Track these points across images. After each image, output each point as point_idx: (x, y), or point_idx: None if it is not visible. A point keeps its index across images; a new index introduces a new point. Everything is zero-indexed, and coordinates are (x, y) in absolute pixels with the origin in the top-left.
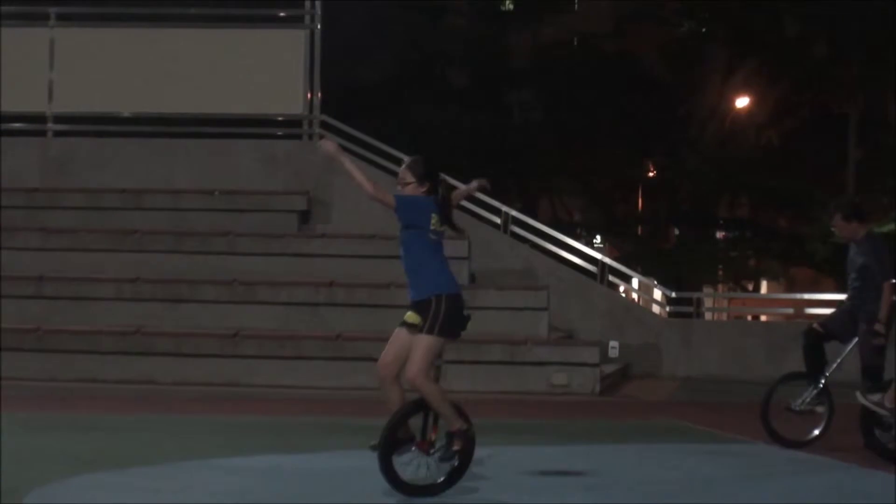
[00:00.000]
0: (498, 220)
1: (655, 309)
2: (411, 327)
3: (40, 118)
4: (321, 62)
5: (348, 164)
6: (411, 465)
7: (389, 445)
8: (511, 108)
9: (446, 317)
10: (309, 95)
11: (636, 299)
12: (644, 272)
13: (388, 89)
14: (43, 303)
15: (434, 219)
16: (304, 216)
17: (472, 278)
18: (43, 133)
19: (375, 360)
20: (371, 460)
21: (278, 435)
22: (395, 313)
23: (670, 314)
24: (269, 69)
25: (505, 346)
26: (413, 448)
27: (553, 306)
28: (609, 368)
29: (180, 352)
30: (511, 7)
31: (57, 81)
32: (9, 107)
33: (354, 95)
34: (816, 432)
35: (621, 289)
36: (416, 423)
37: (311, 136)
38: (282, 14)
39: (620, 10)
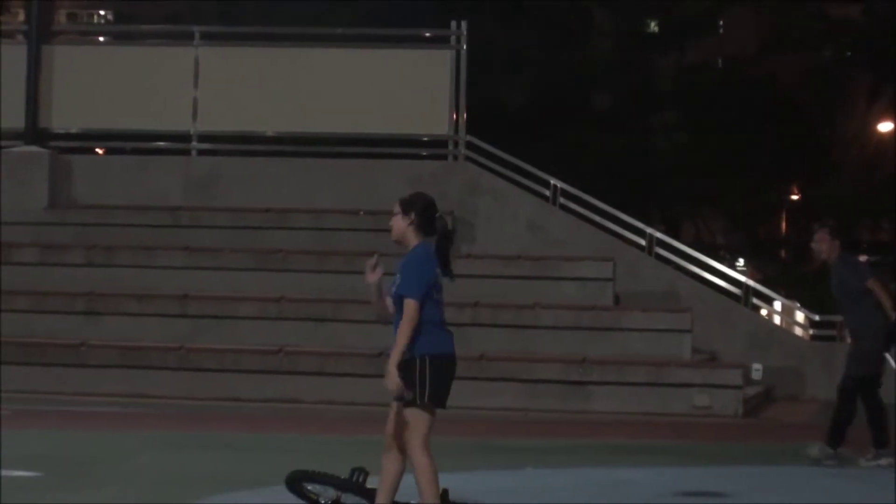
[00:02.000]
0: (643, 242)
1: (798, 331)
2: None
3: (185, 137)
4: (467, 82)
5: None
6: None
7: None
8: (654, 131)
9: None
10: (454, 116)
11: (779, 322)
12: (787, 295)
13: (532, 111)
14: (186, 321)
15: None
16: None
17: (617, 300)
18: (187, 152)
19: (520, 380)
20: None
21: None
22: (540, 333)
23: (813, 337)
24: (415, 89)
25: (648, 367)
26: None
27: (696, 328)
28: (752, 391)
29: (324, 371)
30: (656, 29)
31: (201, 100)
32: (154, 126)
33: (499, 117)
34: None
35: (764, 311)
36: None
37: (455, 157)
38: (428, 34)
39: (764, 33)
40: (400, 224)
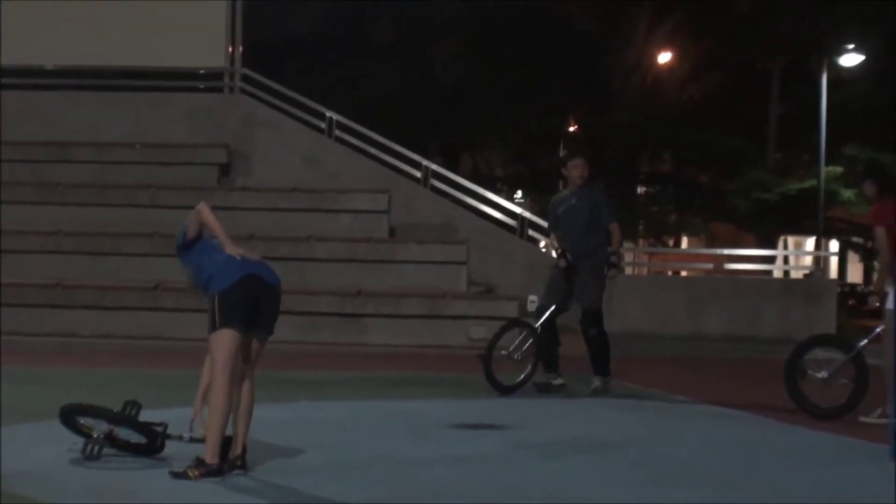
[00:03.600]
0: (418, 175)
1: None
2: None
3: None
4: (243, 15)
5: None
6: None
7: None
8: (433, 61)
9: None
10: (231, 48)
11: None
12: None
13: (311, 43)
14: None
15: None
16: (225, 169)
17: (392, 232)
18: None
19: (296, 313)
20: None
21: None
22: (315, 266)
23: None
24: (193, 22)
25: (424, 299)
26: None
27: (473, 261)
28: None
29: (102, 304)
30: None
31: None
32: None
33: (278, 50)
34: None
35: (542, 244)
36: None
37: (231, 90)
38: None
39: None
40: None
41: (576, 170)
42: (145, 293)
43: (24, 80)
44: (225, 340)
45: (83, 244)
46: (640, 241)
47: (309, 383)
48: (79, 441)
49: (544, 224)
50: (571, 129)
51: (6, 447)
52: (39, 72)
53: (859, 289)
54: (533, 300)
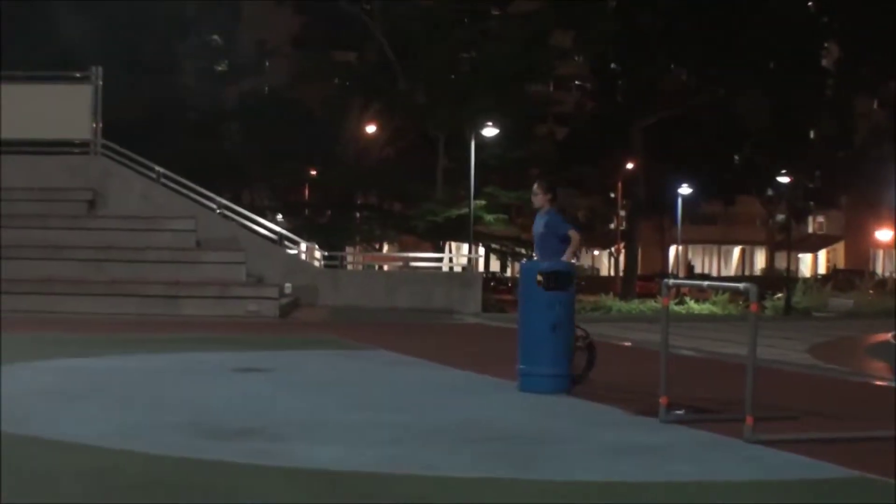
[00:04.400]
0: (214, 206)
1: (316, 263)
2: None
3: None
4: (102, 104)
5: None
6: None
7: None
8: (226, 135)
9: None
10: (94, 125)
11: (303, 256)
12: (308, 238)
13: (148, 121)
14: None
15: None
16: (91, 203)
17: (198, 243)
18: None
19: (137, 295)
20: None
21: (66, 346)
22: (149, 265)
23: (325, 265)
24: (70, 109)
25: (218, 286)
26: None
27: (249, 261)
28: (285, 301)
29: (12, 290)
30: (225, 69)
31: None
32: None
33: (126, 126)
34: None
35: (293, 251)
36: None
37: (95, 153)
38: (78, 74)
39: (297, 69)
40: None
41: (535, 197)
42: (37, 283)
43: None
44: None
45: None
46: (357, 247)
47: (145, 342)
48: None
49: (295, 237)
50: (312, 174)
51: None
52: None
53: (497, 275)
54: (288, 286)
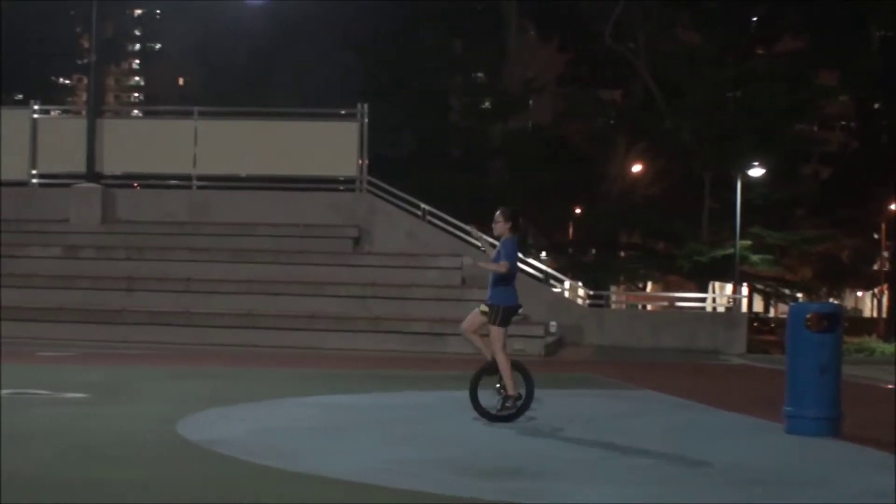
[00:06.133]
0: (480, 245)
1: (579, 301)
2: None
3: (188, 178)
4: (368, 142)
5: (482, 265)
6: None
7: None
8: (490, 172)
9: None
10: (360, 162)
11: (567, 295)
12: (572, 278)
13: (411, 159)
14: (190, 295)
15: None
16: (357, 241)
17: (463, 281)
18: (189, 187)
19: (402, 332)
20: (404, 398)
21: (331, 382)
22: (414, 303)
23: (589, 305)
24: (336, 146)
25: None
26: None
27: None
28: (550, 339)
29: (279, 326)
30: (489, 105)
31: (199, 154)
32: (169, 170)
33: (390, 163)
34: None
35: (557, 289)
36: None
37: (361, 190)
38: (343, 112)
39: (559, 108)
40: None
41: (495, 225)
42: (302, 319)
43: (225, 182)
44: None
45: (264, 288)
46: (620, 286)
47: (412, 379)
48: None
49: (560, 276)
50: (577, 212)
51: (212, 423)
52: (236, 178)
53: (760, 316)
54: (553, 325)
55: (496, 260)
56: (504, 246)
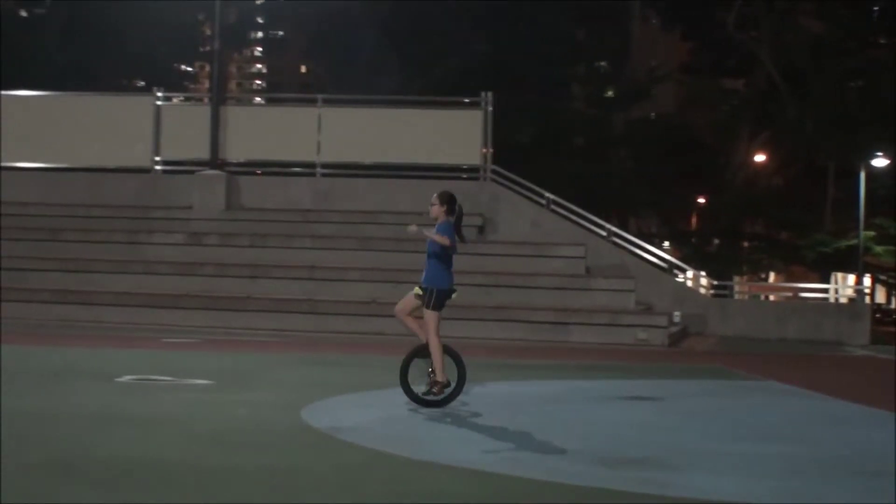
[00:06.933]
0: (603, 233)
1: (702, 291)
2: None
3: (311, 165)
4: (492, 130)
5: (426, 233)
6: None
7: None
8: (611, 160)
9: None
10: (484, 151)
11: (691, 284)
12: (696, 267)
13: (534, 147)
14: (312, 283)
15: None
16: (481, 229)
17: (587, 270)
18: (313, 174)
19: (524, 321)
20: (526, 387)
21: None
22: (538, 291)
23: (713, 295)
24: (459, 135)
25: (608, 313)
26: None
27: (638, 289)
28: (674, 329)
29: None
30: (612, 94)
31: (322, 141)
32: (292, 157)
33: (513, 151)
34: None
35: (680, 278)
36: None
37: (484, 179)
38: (467, 100)
39: (682, 97)
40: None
41: (431, 208)
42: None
43: (346, 171)
44: None
45: (388, 276)
46: (743, 276)
47: (533, 368)
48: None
49: (683, 265)
50: (700, 202)
51: (337, 410)
52: (359, 165)
53: (882, 307)
54: (677, 314)
55: (430, 246)
56: (441, 228)
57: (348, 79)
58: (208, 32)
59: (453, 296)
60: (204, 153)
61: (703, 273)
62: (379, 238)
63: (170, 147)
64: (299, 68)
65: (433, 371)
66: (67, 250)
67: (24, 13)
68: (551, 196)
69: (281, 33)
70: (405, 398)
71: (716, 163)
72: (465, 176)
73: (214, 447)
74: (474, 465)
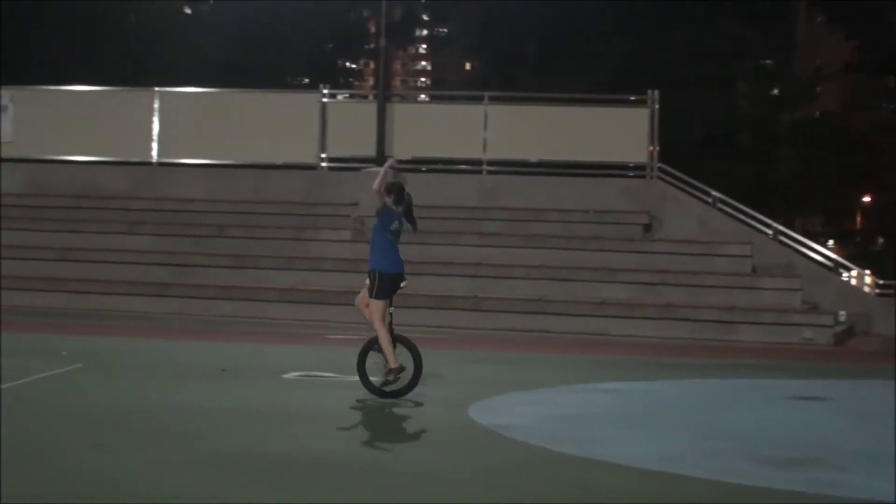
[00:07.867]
0: (770, 232)
1: (867, 290)
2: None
3: (478, 162)
4: (658, 128)
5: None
6: None
7: None
8: (779, 160)
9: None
10: (650, 149)
11: (855, 283)
12: (861, 266)
13: (701, 146)
14: (479, 280)
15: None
16: (647, 227)
17: (754, 269)
18: (479, 171)
19: (692, 319)
20: (688, 387)
21: (619, 369)
22: (705, 290)
23: (878, 294)
24: (626, 132)
25: (774, 312)
26: None
27: (804, 287)
28: (839, 329)
29: (569, 312)
30: (777, 93)
31: (489, 139)
32: (458, 154)
33: (680, 150)
34: None
35: (845, 277)
36: None
37: (651, 177)
38: (633, 98)
39: (846, 97)
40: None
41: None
42: (591, 305)
43: (512, 168)
44: None
45: (554, 273)
46: None
47: (699, 367)
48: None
49: (848, 264)
50: (865, 199)
51: (504, 408)
52: (525, 163)
53: None
54: (842, 314)
55: (373, 233)
56: (384, 217)
57: (512, 77)
58: (373, 30)
59: (403, 284)
60: (369, 150)
61: (867, 272)
62: (545, 235)
63: (336, 144)
64: (463, 65)
65: (385, 360)
66: (233, 246)
67: (187, 10)
68: (718, 194)
69: (445, 30)
70: (579, 397)
71: (881, 162)
72: (631, 174)
73: (381, 443)
74: (638, 464)
